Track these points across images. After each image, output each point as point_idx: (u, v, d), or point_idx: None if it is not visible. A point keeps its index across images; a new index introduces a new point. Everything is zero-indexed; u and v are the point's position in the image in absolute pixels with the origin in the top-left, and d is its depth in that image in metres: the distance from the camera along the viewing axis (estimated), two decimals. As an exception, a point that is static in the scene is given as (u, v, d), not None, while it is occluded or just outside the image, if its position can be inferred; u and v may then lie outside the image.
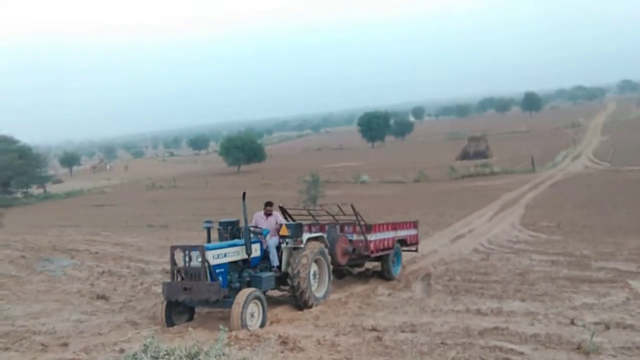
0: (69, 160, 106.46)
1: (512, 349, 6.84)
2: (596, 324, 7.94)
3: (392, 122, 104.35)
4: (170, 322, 8.78)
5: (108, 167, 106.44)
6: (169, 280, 9.02)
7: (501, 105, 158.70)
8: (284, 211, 12.20)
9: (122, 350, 6.60)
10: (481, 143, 65.82)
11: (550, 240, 17.82)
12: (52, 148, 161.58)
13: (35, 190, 63.64)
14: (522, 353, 6.72)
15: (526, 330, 7.75)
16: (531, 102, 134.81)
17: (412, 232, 14.26)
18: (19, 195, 58.51)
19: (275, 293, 10.60)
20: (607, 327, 7.75)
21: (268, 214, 10.53)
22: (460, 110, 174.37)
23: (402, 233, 13.68)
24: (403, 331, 8.03)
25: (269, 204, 10.67)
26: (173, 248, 8.92)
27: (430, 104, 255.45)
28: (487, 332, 7.72)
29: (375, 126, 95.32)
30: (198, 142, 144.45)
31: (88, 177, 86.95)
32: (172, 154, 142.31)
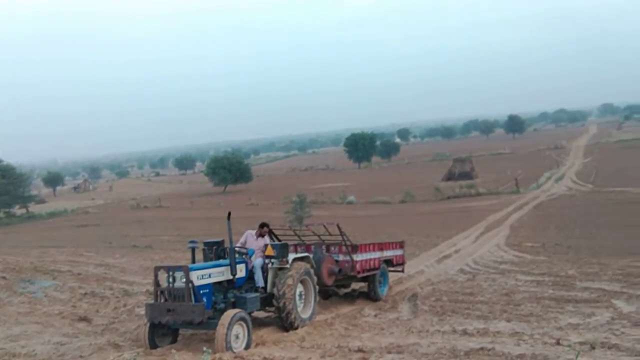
0: (53, 180, 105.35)
1: (498, 370, 6.82)
2: (581, 344, 7.95)
3: (378, 143, 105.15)
4: (153, 345, 8.62)
5: (91, 187, 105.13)
6: (152, 301, 8.89)
7: (485, 127, 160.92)
8: (269, 231, 12.14)
9: (103, 373, 6.47)
10: (466, 164, 66.18)
11: (535, 261, 17.92)
12: (36, 168, 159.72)
13: (17, 210, 62.70)
14: (508, 374, 6.70)
15: (512, 350, 7.74)
16: (514, 124, 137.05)
17: (399, 252, 14.27)
18: (0, 215, 57.58)
19: (261, 314, 10.49)
20: (593, 347, 7.77)
21: (260, 235, 10.44)
22: (446, 132, 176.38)
23: (388, 253, 13.68)
24: (389, 352, 7.97)
25: (264, 225, 10.61)
26: (157, 269, 8.81)
27: (416, 126, 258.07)
28: (473, 352, 7.69)
29: (362, 147, 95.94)
30: (184, 162, 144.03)
31: (72, 197, 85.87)
32: (157, 174, 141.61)
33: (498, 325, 9.46)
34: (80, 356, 7.92)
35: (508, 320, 9.82)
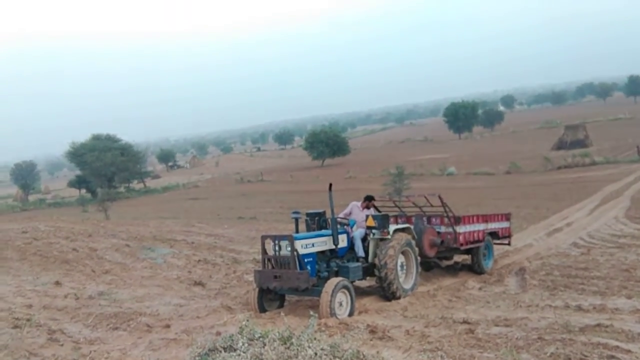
0: (166, 157, 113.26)
1: (617, 347, 6.37)
2: None
3: (480, 112, 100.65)
4: (262, 308, 9.10)
5: (187, 165, 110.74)
6: (260, 268, 9.34)
7: (602, 90, 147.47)
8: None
9: (218, 333, 6.93)
10: (579, 131, 61.21)
11: (660, 235, 16.36)
12: (150, 146, 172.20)
13: (136, 185, 68.41)
14: (629, 351, 6.24)
15: (633, 328, 7.19)
16: (635, 86, 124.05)
17: (504, 224, 13.71)
18: (121, 189, 63.20)
19: (363, 284, 10.64)
20: None
21: (366, 207, 10.62)
22: (556, 98, 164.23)
23: (493, 225, 13.20)
24: (496, 325, 7.75)
25: (370, 198, 10.79)
26: (264, 238, 9.23)
27: (522, 92, 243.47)
28: (589, 329, 7.25)
29: (462, 116, 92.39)
30: (283, 137, 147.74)
31: (183, 173, 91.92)
32: (259, 149, 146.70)
33: (617, 302, 8.81)
34: (198, 316, 8.54)
35: (628, 297, 9.10)
